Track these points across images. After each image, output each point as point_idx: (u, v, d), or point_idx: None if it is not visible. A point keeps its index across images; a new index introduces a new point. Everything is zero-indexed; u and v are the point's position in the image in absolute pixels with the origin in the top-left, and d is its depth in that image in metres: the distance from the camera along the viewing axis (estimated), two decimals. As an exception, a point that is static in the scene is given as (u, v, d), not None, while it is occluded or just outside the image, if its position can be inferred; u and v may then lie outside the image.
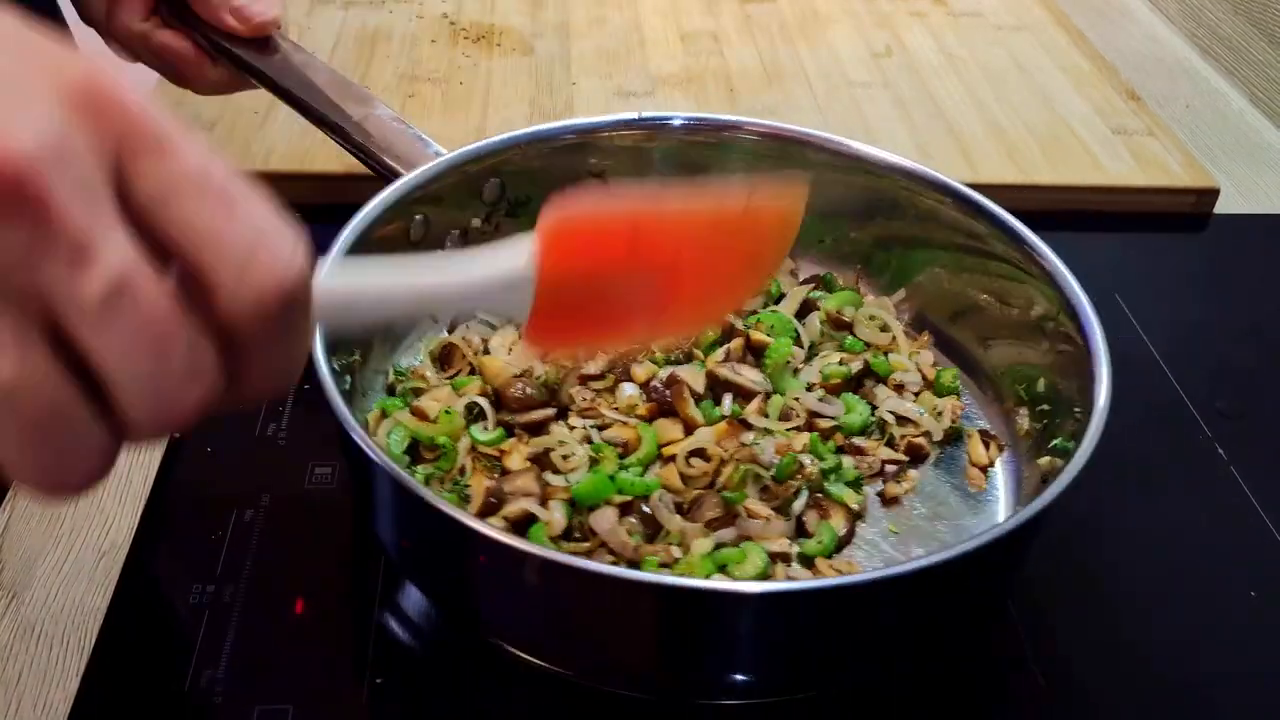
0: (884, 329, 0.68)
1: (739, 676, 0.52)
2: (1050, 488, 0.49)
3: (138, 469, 0.63)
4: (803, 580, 0.55)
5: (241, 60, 0.72)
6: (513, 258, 0.42)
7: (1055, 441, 0.59)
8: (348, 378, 0.61)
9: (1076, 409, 0.57)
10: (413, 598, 0.57)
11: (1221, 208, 0.89)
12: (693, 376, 0.63)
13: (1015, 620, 0.58)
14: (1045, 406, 0.62)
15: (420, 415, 0.61)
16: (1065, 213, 0.86)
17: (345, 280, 0.40)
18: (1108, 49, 1.08)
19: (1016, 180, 0.86)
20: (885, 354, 0.67)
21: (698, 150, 0.73)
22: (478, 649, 0.55)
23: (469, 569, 0.52)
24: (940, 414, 0.64)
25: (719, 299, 0.50)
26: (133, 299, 0.30)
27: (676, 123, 0.73)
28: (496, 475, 0.59)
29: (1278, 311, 0.81)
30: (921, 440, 0.63)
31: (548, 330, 0.44)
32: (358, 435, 0.50)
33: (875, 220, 0.72)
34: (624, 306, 0.45)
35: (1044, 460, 0.59)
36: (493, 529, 0.47)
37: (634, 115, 0.73)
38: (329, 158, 0.84)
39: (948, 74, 1.01)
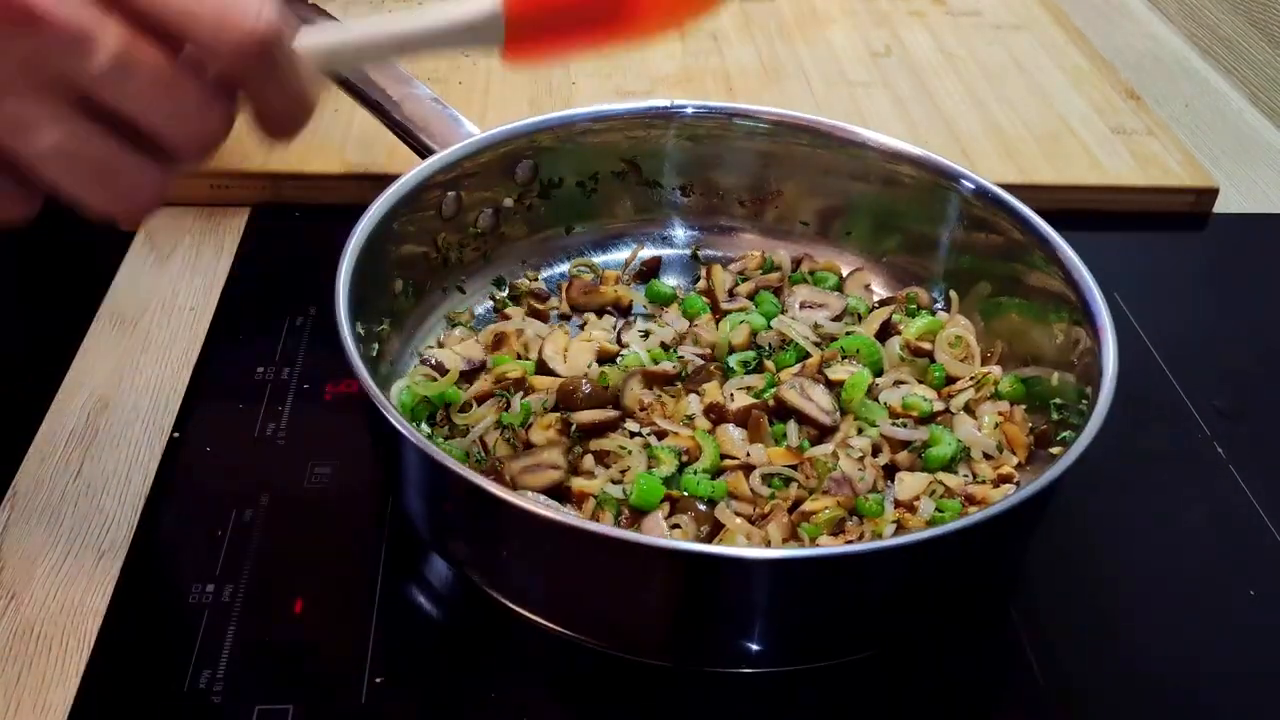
0: (965, 359, 0.67)
1: (751, 643, 0.53)
2: (1064, 457, 0.51)
3: (137, 468, 0.63)
4: (814, 547, 0.55)
5: None
6: (481, 2, 0.48)
7: (1064, 434, 0.60)
8: (375, 345, 0.62)
9: (1084, 401, 0.57)
10: (414, 595, 0.57)
11: (1220, 207, 0.89)
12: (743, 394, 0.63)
13: (1014, 619, 0.58)
14: (1057, 400, 0.62)
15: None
16: (1064, 212, 0.85)
17: (329, 33, 0.47)
18: (1106, 48, 1.08)
19: (1016, 179, 0.86)
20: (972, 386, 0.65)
21: (731, 139, 0.75)
22: (478, 647, 0.55)
23: (499, 540, 0.53)
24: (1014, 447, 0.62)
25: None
26: (136, 62, 0.39)
27: (709, 112, 0.74)
28: (520, 449, 0.60)
29: (1276, 310, 0.81)
30: (1011, 470, 0.61)
31: (523, 54, 0.49)
32: (391, 415, 0.51)
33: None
34: (595, 22, 0.50)
35: (1056, 451, 0.59)
36: (524, 499, 0.49)
37: (667, 103, 0.74)
38: (328, 159, 0.84)
39: (947, 73, 1.01)
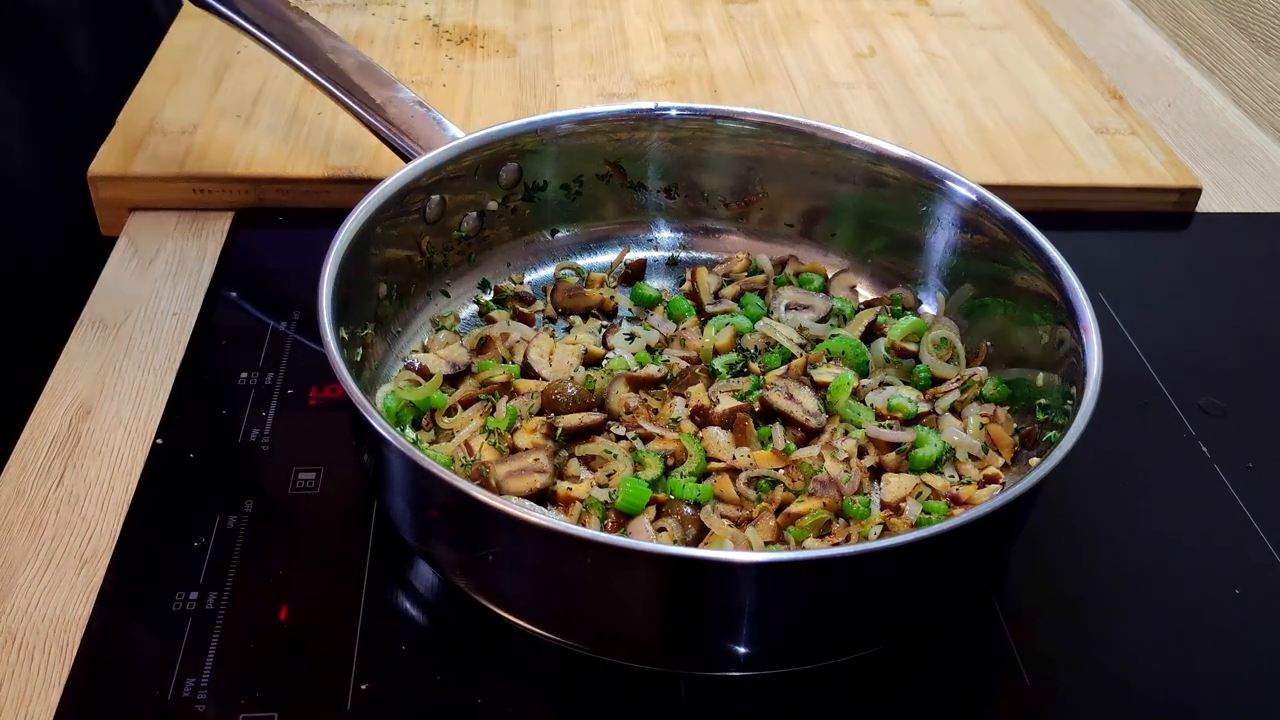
0: (950, 360, 0.67)
1: (738, 646, 0.53)
2: (1049, 458, 0.51)
3: (120, 475, 0.62)
4: (800, 550, 0.56)
5: (269, 44, 0.73)
6: None
7: (1050, 434, 0.60)
8: (359, 349, 0.63)
9: (1069, 401, 0.57)
10: (399, 601, 0.57)
11: (1203, 206, 0.90)
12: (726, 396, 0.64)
13: (1001, 619, 0.58)
14: (1042, 400, 0.62)
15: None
16: (1048, 212, 0.86)
17: None
18: (1089, 48, 1.08)
19: (1000, 180, 0.87)
20: (958, 386, 0.65)
21: (715, 141, 0.75)
22: (464, 653, 0.55)
23: (485, 545, 0.53)
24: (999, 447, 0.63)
25: None
26: None
27: (693, 114, 0.74)
28: (505, 453, 0.60)
29: (1260, 309, 0.81)
30: (997, 471, 0.61)
31: None
32: (376, 420, 0.51)
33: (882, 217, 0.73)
34: None
35: (1035, 460, 0.59)
36: (509, 504, 0.49)
37: (651, 105, 0.74)
38: (310, 162, 0.84)
39: (930, 74, 1.01)
